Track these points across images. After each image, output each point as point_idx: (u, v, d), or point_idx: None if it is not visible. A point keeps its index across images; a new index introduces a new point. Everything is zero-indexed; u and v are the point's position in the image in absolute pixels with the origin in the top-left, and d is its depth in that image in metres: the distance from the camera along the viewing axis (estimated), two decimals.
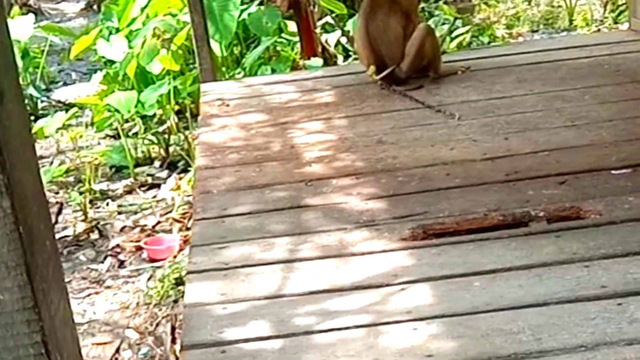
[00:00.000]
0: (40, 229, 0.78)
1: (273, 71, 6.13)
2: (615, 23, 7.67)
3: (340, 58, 6.63)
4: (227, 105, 4.98)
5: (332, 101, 4.89)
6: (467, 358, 2.50)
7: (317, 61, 6.15)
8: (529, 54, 5.36)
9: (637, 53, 5.20)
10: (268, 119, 4.72)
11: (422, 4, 6.93)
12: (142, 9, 6.40)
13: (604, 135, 4.00)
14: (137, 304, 4.16)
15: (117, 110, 5.81)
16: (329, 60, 6.41)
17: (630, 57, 5.14)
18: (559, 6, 8.30)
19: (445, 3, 7.83)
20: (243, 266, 3.16)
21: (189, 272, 3.17)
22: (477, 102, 4.61)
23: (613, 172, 3.59)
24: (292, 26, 6.53)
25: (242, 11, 6.28)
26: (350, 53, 6.63)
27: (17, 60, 0.72)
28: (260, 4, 6.63)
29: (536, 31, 8.01)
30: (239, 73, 6.28)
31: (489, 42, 7.33)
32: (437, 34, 5.98)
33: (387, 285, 2.94)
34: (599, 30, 7.57)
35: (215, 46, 5.88)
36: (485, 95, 4.69)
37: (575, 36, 7.36)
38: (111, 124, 6.14)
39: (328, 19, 6.65)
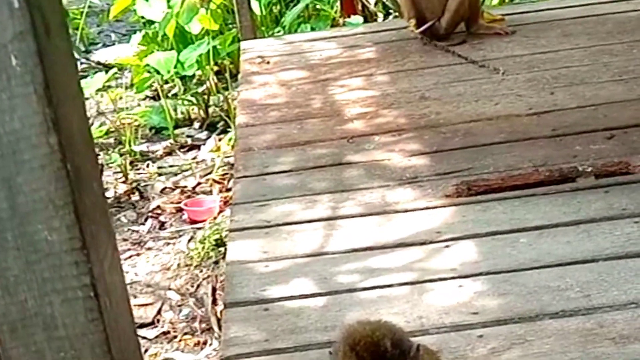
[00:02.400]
0: (88, 169, 0.75)
1: (312, 30, 6.06)
2: None
3: (380, 16, 6.55)
4: (268, 63, 4.94)
5: (374, 57, 4.83)
6: (514, 315, 2.46)
7: (357, 19, 6.07)
8: (573, 7, 5.25)
9: None
10: (309, 76, 4.67)
11: None
12: None
13: None
14: (178, 265, 4.15)
15: (157, 71, 5.78)
16: (368, 18, 6.33)
17: None
18: None
19: None
20: (285, 224, 3.14)
21: (231, 230, 3.15)
22: (522, 56, 4.53)
23: None
24: None
25: None
26: (391, 11, 6.54)
27: None
28: None
29: None
30: (278, 32, 6.22)
31: None
32: None
33: (431, 242, 2.90)
34: None
35: (254, 5, 5.83)
36: (530, 50, 4.60)
37: None
38: (151, 85, 6.12)
39: None
